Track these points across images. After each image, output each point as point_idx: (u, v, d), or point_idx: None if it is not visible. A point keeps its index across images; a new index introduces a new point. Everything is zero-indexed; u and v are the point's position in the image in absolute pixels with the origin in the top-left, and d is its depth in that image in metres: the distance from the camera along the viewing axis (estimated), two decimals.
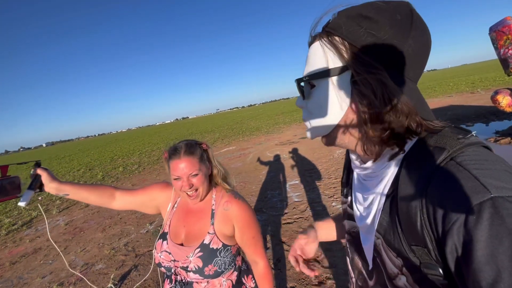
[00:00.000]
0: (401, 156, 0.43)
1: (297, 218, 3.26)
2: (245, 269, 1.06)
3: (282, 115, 22.60)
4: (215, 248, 0.92)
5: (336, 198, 3.61)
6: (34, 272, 3.14)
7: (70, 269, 1.41)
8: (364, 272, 0.54)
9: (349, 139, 0.48)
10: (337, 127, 0.47)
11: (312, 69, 0.47)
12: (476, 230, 0.30)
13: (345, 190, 0.64)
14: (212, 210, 0.97)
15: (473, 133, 0.40)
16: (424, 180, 0.37)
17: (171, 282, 0.97)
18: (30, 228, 4.79)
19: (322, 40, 0.46)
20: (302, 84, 0.50)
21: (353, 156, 0.55)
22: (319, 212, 3.32)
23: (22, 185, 0.95)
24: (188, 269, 0.92)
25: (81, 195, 1.00)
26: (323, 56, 0.45)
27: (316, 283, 2.14)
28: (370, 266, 0.51)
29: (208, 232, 0.94)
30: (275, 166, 6.01)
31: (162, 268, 0.98)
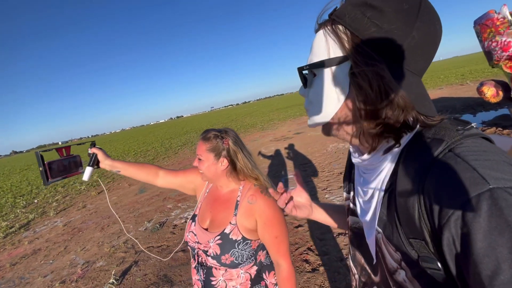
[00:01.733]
0: (399, 148, 0.42)
1: None
2: (267, 265, 1.04)
3: (276, 112, 22.69)
4: (234, 239, 0.93)
5: (330, 191, 3.73)
6: (35, 272, 3.19)
7: (127, 234, 1.50)
8: (367, 267, 0.53)
9: (346, 130, 0.47)
10: (334, 117, 0.47)
11: (314, 57, 0.47)
12: (474, 222, 0.29)
13: (347, 186, 0.63)
14: (237, 201, 0.98)
15: (473, 124, 0.39)
16: (422, 172, 0.37)
17: (195, 261, 1.05)
18: (28, 230, 4.81)
19: (326, 28, 0.45)
20: (305, 72, 0.50)
21: (352, 149, 0.55)
22: None
23: (83, 163, 1.11)
24: (208, 253, 0.96)
25: (130, 172, 1.11)
26: (325, 45, 0.45)
27: (310, 270, 2.25)
28: (375, 261, 0.50)
29: (230, 223, 0.95)
30: (271, 161, 6.11)
31: (189, 247, 1.06)
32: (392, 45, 0.39)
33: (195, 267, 1.04)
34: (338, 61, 0.43)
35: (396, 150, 0.43)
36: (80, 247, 3.65)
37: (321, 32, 0.45)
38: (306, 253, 2.47)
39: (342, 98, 0.44)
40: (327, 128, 0.50)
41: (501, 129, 4.75)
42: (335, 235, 2.65)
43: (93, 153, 1.07)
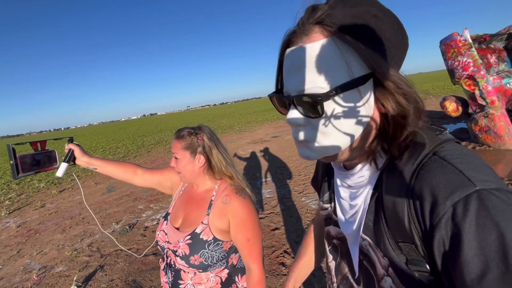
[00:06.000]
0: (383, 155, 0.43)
1: (269, 213, 3.37)
2: (240, 268, 1.02)
3: (254, 114, 22.79)
4: (204, 239, 0.91)
5: (306, 194, 3.80)
6: None
7: (103, 231, 1.38)
8: (350, 277, 0.53)
9: (357, 153, 0.43)
10: (353, 143, 0.41)
11: (325, 76, 0.38)
12: (463, 223, 0.30)
13: (325, 196, 0.60)
14: (211, 200, 0.96)
15: (447, 130, 0.41)
16: (409, 175, 0.37)
17: (163, 261, 1.01)
18: None
19: (335, 38, 0.37)
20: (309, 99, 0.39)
21: (334, 164, 0.53)
22: (289, 207, 3.46)
23: (58, 158, 1.07)
24: (177, 253, 0.93)
25: (108, 169, 1.09)
26: (342, 61, 0.37)
27: (286, 273, 2.25)
28: (356, 275, 0.50)
29: (202, 222, 0.93)
30: (247, 163, 6.08)
31: (158, 246, 1.02)
32: (399, 57, 0.40)
33: (163, 269, 1.00)
34: (364, 80, 0.38)
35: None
36: (36, 250, 3.31)
37: (326, 42, 0.37)
38: (283, 256, 2.48)
39: (366, 119, 0.40)
40: (335, 156, 0.44)
41: (459, 141, 5.20)
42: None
43: (70, 149, 1.05)
